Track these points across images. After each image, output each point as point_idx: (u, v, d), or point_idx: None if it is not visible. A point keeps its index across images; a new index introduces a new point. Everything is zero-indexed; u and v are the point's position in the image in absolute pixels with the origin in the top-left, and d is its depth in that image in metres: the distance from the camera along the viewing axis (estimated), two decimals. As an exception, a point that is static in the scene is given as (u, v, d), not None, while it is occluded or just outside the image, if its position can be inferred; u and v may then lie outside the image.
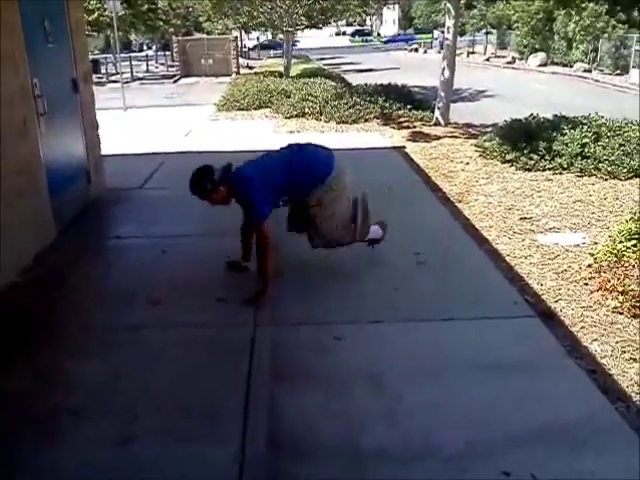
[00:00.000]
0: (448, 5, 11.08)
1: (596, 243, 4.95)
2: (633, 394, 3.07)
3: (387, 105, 12.25)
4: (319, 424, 2.74)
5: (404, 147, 9.01)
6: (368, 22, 73.23)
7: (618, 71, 22.40)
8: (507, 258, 4.80)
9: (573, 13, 21.27)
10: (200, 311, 3.78)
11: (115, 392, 3.01)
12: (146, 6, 29.16)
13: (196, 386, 3.03)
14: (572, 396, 2.91)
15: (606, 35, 23.52)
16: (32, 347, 3.42)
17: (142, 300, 3.94)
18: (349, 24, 66.92)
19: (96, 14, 25.44)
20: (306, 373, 3.14)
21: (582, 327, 3.74)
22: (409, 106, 12.43)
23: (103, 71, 27.25)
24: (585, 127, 7.78)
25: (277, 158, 3.96)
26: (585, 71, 23.67)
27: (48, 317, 3.78)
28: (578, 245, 5.02)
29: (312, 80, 15.56)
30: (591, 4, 17.02)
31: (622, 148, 7.30)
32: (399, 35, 64.19)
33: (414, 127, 10.96)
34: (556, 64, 26.85)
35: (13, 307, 3.87)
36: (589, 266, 4.53)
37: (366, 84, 14.61)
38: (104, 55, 32.76)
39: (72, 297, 4.10)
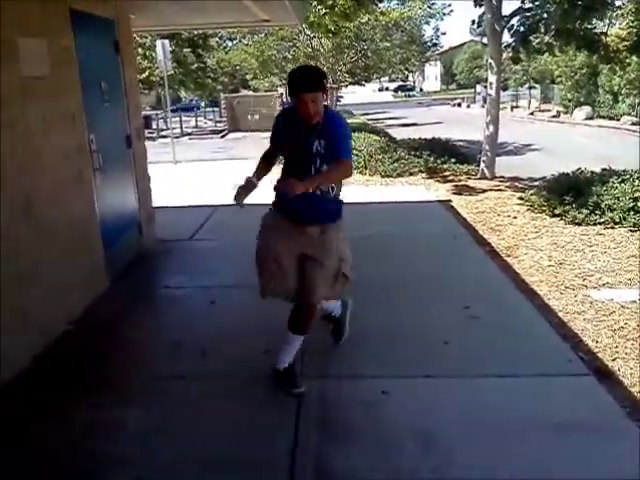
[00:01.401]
0: (490, 61, 11.21)
1: (653, 299, 4.80)
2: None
3: (432, 159, 12.31)
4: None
5: (450, 200, 9.00)
6: (410, 78, 74.44)
7: (666, 124, 22.10)
8: (559, 314, 4.68)
9: (617, 68, 21.18)
10: (247, 363, 3.77)
11: (158, 442, 3.00)
12: (195, 65, 30.30)
13: (242, 440, 3.00)
14: (632, 458, 2.76)
15: (653, 88, 23.33)
16: (79, 395, 3.45)
17: (189, 350, 3.96)
18: (392, 80, 68.11)
19: (147, 73, 26.56)
20: (354, 428, 3.08)
21: (642, 387, 3.59)
22: (453, 160, 12.48)
23: (154, 126, 28.25)
24: (637, 181, 7.65)
25: None
26: (633, 124, 23.40)
27: (96, 366, 3.84)
28: (635, 301, 4.86)
29: (356, 134, 15.78)
30: (635, 58, 16.93)
31: (675, 202, 7.13)
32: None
33: (459, 181, 10.95)
34: (602, 117, 26.66)
35: (63, 356, 3.93)
36: (647, 323, 4.38)
37: (410, 138, 14.75)
38: (155, 111, 34.01)
39: (120, 346, 4.16)
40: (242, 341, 4.07)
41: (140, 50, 23.93)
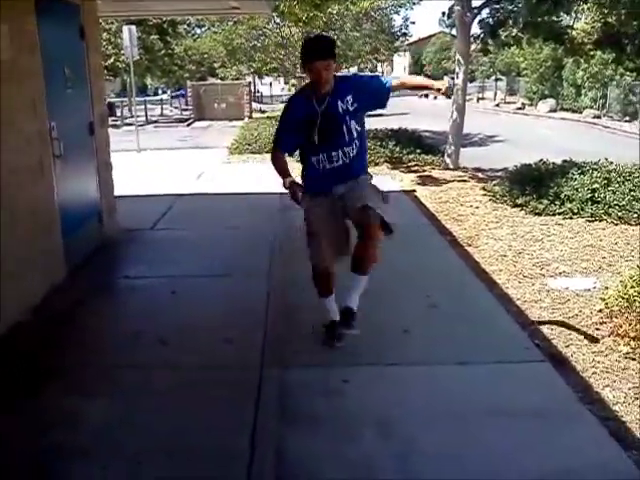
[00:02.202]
0: (458, 52, 11.31)
1: (607, 288, 4.92)
2: (647, 442, 3.00)
3: (397, 149, 12.38)
4: (327, 468, 2.69)
5: (414, 191, 9.08)
6: (379, 68, 74.60)
7: (627, 118, 22.56)
8: (518, 302, 4.77)
9: (582, 61, 21.53)
10: (207, 352, 3.77)
11: (121, 432, 2.98)
12: (163, 52, 29.86)
13: (202, 428, 3.00)
14: (585, 443, 2.85)
15: (614, 82, 23.77)
16: (36, 385, 3.41)
17: (150, 340, 3.94)
18: (360, 70, 68.16)
19: (112, 59, 26.09)
20: (314, 416, 3.10)
21: (594, 373, 3.69)
22: (419, 150, 12.56)
23: (118, 114, 27.79)
24: (595, 172, 7.81)
25: None
26: (594, 117, 23.86)
27: (53, 356, 3.78)
28: (589, 290, 4.99)
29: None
30: (599, 52, 17.25)
31: (632, 193, 7.31)
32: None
33: (424, 171, 11.05)
34: (565, 110, 27.11)
35: (19, 345, 3.87)
36: (600, 311, 4.50)
37: (376, 129, 14.78)
38: (120, 99, 33.46)
39: (79, 335, 4.10)
40: (202, 330, 4.06)
41: (105, 35, 23.47)
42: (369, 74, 4.14)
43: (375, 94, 3.49)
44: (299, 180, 3.59)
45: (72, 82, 5.39)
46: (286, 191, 3.43)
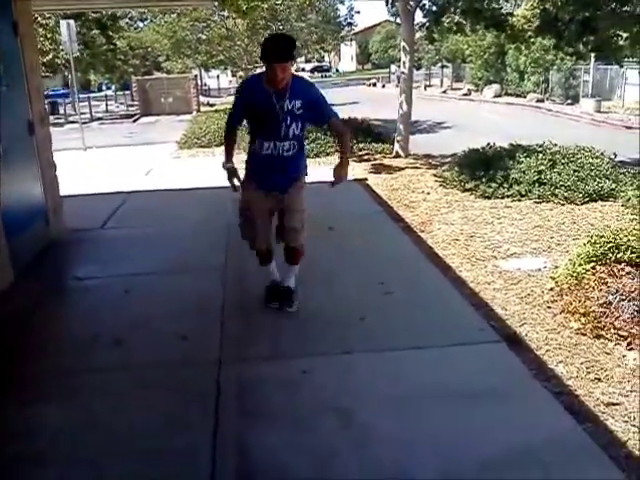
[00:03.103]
0: (403, 42, 11.37)
1: (557, 267, 5.05)
2: (599, 414, 3.09)
3: (348, 139, 12.39)
4: (288, 459, 2.69)
5: (366, 179, 9.12)
6: (327, 58, 74.55)
7: (569, 101, 23.18)
8: (471, 285, 4.85)
9: (523, 47, 21.97)
10: (164, 350, 3.71)
11: (79, 437, 2.91)
12: (105, 47, 29.14)
13: (162, 427, 2.95)
14: (541, 419, 2.92)
15: (556, 67, 24.36)
16: (-11, 395, 3.30)
17: (104, 342, 3.84)
18: (308, 60, 68.01)
19: (51, 55, 25.31)
20: (273, 409, 3.09)
21: (547, 350, 3.79)
22: (369, 139, 12.62)
23: (62, 112, 27.04)
24: (540, 155, 8.00)
25: None
26: (538, 101, 24.41)
27: (6, 362, 3.66)
28: (539, 269, 5.11)
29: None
30: (539, 38, 17.65)
31: (577, 174, 7.52)
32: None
33: (375, 160, 11.11)
34: (510, 95, 27.65)
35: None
36: (551, 289, 4.61)
37: (326, 119, 14.77)
38: (61, 93, 32.52)
39: (30, 341, 3.97)
40: (158, 329, 3.99)
41: (42, 31, 22.73)
42: (322, 95, 4.16)
43: (318, 117, 3.82)
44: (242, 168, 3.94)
45: (7, 80, 5.19)
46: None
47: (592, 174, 7.55)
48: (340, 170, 3.74)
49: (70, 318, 4.43)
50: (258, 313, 4.15)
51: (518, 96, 26.90)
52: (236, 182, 3.88)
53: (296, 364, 3.47)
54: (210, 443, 2.82)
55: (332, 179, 3.77)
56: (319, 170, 10.17)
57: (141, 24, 36.52)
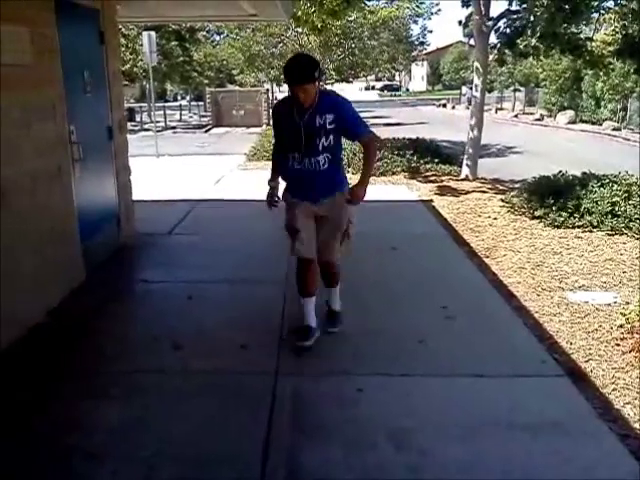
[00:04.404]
0: (476, 63, 11.27)
1: (628, 303, 4.84)
2: (668, 462, 2.94)
3: (415, 159, 12.33)
4: (339, 478, 2.67)
5: (431, 200, 9.03)
6: (397, 77, 74.62)
7: (648, 130, 22.37)
8: (535, 315, 4.71)
9: (601, 73, 21.40)
10: (223, 357, 3.76)
11: (132, 436, 2.98)
12: (181, 58, 30.12)
13: (215, 434, 2.99)
14: (604, 460, 2.80)
15: (635, 94, 23.58)
16: (54, 389, 3.43)
17: (165, 345, 3.94)
18: (378, 79, 68.26)
19: (130, 64, 26.32)
20: (327, 425, 3.08)
21: (614, 389, 3.63)
22: (437, 160, 12.52)
23: (138, 119, 28.04)
24: (615, 186, 7.72)
25: None
26: (614, 129, 23.68)
27: (70, 359, 3.80)
28: (609, 304, 4.92)
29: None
30: (619, 63, 17.11)
31: (653, 207, 7.22)
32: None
33: (441, 181, 10.99)
34: (585, 122, 26.94)
35: (36, 348, 3.89)
36: (621, 326, 4.42)
37: (394, 138, 14.77)
38: (139, 104, 33.75)
39: (95, 339, 4.11)
40: (218, 336, 4.06)
41: (124, 41, 23.71)
42: (353, 109, 4.09)
43: (349, 133, 3.79)
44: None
45: (91, 87, 5.43)
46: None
47: (670, 208, 7.23)
48: (358, 190, 3.66)
49: (134, 319, 4.56)
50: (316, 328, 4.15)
51: (593, 123, 26.17)
52: (274, 202, 3.97)
53: (352, 382, 3.45)
54: (261, 453, 2.83)
55: (349, 197, 3.69)
56: (384, 189, 10.22)
57: (217, 37, 37.62)
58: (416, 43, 40.52)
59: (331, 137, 3.63)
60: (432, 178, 11.30)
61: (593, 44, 11.97)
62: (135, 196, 6.73)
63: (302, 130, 3.59)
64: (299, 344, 3.85)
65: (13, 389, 3.39)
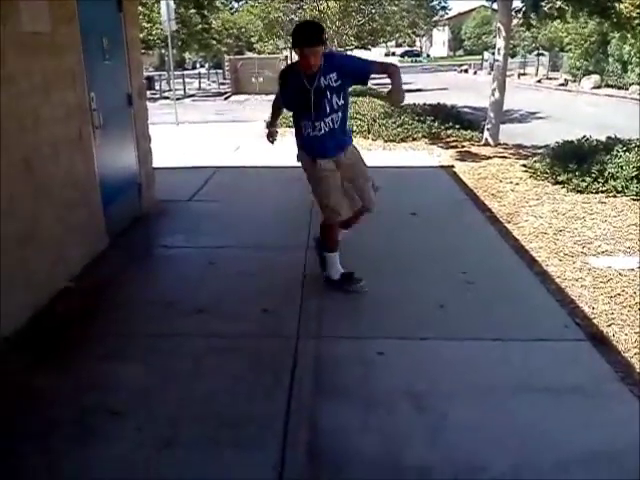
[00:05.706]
0: (499, 25, 11.02)
1: (652, 267, 4.79)
2: (690, 424, 2.93)
3: (435, 125, 12.18)
4: (358, 438, 2.70)
5: (452, 166, 8.94)
6: (418, 43, 73.32)
7: (677, 95, 21.79)
8: (557, 280, 4.68)
9: (629, 36, 20.80)
10: (243, 321, 3.80)
11: (155, 396, 3.04)
12: (200, 26, 29.85)
13: (237, 396, 3.03)
14: (624, 424, 2.79)
15: (664, 58, 22.96)
16: (78, 350, 3.50)
17: (188, 308, 3.98)
18: (399, 45, 67.15)
19: (146, 32, 26.14)
20: (348, 387, 3.11)
21: (636, 353, 3.61)
22: (458, 126, 12.34)
23: (157, 88, 27.96)
24: (641, 150, 7.57)
25: None
26: (641, 94, 23.08)
27: (94, 322, 3.86)
28: (632, 269, 4.86)
29: (360, 99, 15.63)
30: (647, 26, 16.67)
31: (681, 172, 7.07)
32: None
33: (462, 147, 10.86)
34: (610, 87, 26.28)
35: (62, 312, 3.96)
36: (644, 291, 4.38)
37: (415, 104, 14.58)
38: (158, 72, 33.63)
39: (116, 304, 4.17)
40: (239, 300, 4.10)
41: (141, 8, 23.52)
42: (352, 57, 4.22)
43: (357, 75, 3.89)
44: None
45: (110, 54, 5.41)
46: None
47: (697, 173, 7.07)
48: (392, 96, 3.90)
49: (156, 284, 4.61)
50: (337, 293, 4.17)
51: (619, 88, 25.52)
52: (273, 137, 4.38)
53: (372, 345, 3.48)
54: (283, 414, 2.87)
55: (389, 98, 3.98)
56: (405, 154, 10.12)
57: (235, 4, 37.18)
58: (437, 8, 39.70)
59: (340, 95, 3.80)
60: (453, 144, 11.17)
61: (621, 6, 11.63)
62: (155, 163, 6.75)
63: (312, 94, 3.73)
64: (361, 289, 4.18)
65: (39, 350, 3.47)
